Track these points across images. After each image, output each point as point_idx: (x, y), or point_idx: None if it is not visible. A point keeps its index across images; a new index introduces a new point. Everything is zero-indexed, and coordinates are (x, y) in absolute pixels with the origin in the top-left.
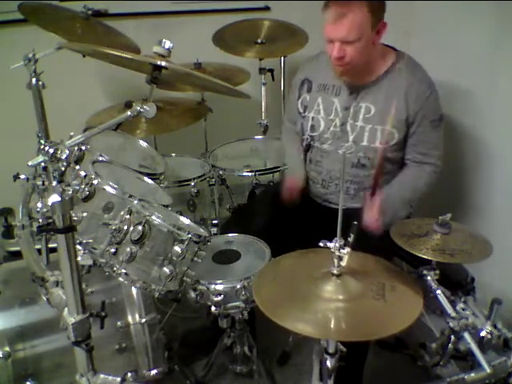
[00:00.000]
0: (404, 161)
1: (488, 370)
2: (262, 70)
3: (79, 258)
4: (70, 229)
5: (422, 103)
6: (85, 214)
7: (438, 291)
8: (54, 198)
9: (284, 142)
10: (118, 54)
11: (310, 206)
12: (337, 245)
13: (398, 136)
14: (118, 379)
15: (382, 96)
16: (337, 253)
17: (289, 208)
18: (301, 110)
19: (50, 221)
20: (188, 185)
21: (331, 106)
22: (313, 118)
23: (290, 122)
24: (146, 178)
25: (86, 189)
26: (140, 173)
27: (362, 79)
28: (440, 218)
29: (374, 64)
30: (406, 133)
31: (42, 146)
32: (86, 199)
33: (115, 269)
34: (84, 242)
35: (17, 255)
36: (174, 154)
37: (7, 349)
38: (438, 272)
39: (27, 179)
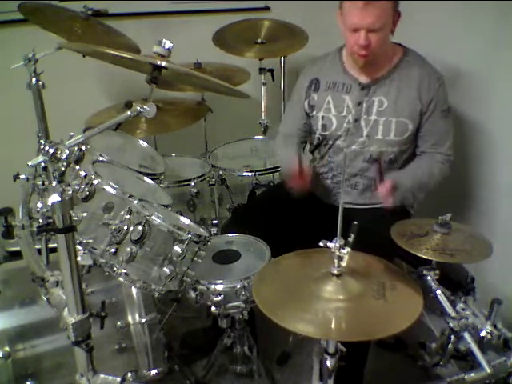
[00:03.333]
0: (416, 153)
1: (488, 370)
2: (262, 70)
3: (79, 258)
4: (70, 229)
5: (434, 94)
6: (85, 214)
7: (438, 291)
8: (54, 198)
9: (277, 149)
10: (118, 53)
11: (311, 205)
12: (337, 245)
13: (412, 127)
14: (118, 379)
15: (395, 88)
16: (337, 253)
17: (289, 208)
18: (308, 111)
19: (50, 221)
20: (188, 185)
21: (342, 103)
22: (323, 117)
23: (286, 135)
24: (145, 178)
25: (86, 189)
26: (140, 173)
27: (373, 74)
28: (440, 218)
29: (384, 58)
30: (419, 123)
31: (42, 146)
32: (86, 199)
33: (115, 269)
34: (84, 242)
35: (17, 255)
36: (174, 154)
37: (7, 349)
38: (437, 272)
39: (27, 179)
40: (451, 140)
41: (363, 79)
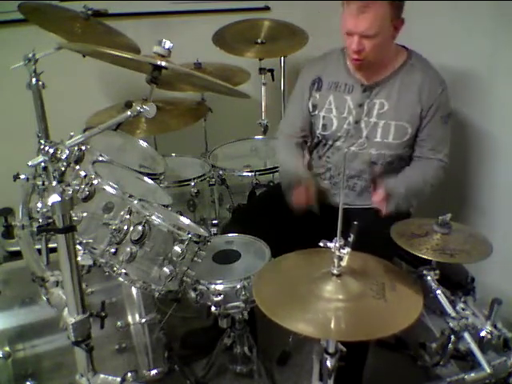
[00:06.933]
0: (412, 157)
1: (488, 370)
2: (262, 70)
3: (79, 258)
4: (70, 229)
5: (435, 98)
6: (85, 214)
7: (438, 291)
8: (54, 198)
9: (279, 152)
10: (118, 53)
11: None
12: (337, 245)
13: (412, 131)
14: (118, 379)
15: (396, 92)
16: (337, 253)
17: (289, 208)
18: (310, 110)
19: (50, 221)
20: (188, 185)
21: (344, 104)
22: (324, 116)
23: (288, 135)
24: (145, 178)
25: (86, 189)
26: (140, 173)
27: (376, 76)
28: (440, 218)
29: (387, 61)
30: (418, 127)
31: (42, 146)
32: (86, 199)
33: (115, 269)
34: (84, 241)
35: (17, 255)
36: (174, 154)
37: (7, 349)
38: (438, 272)
39: (27, 179)
40: (448, 147)
41: (366, 81)
